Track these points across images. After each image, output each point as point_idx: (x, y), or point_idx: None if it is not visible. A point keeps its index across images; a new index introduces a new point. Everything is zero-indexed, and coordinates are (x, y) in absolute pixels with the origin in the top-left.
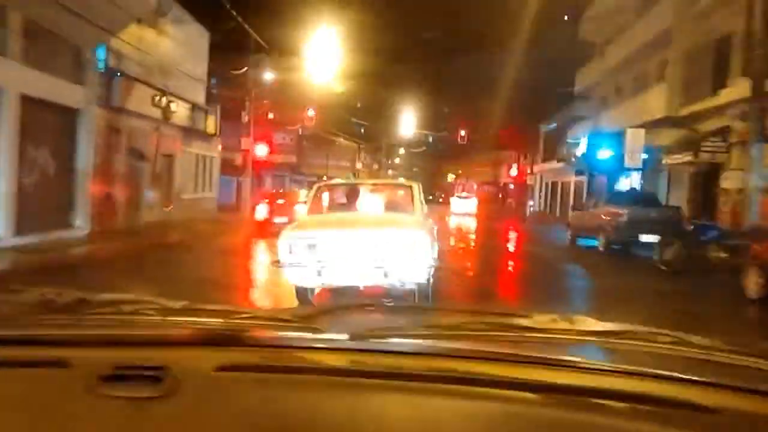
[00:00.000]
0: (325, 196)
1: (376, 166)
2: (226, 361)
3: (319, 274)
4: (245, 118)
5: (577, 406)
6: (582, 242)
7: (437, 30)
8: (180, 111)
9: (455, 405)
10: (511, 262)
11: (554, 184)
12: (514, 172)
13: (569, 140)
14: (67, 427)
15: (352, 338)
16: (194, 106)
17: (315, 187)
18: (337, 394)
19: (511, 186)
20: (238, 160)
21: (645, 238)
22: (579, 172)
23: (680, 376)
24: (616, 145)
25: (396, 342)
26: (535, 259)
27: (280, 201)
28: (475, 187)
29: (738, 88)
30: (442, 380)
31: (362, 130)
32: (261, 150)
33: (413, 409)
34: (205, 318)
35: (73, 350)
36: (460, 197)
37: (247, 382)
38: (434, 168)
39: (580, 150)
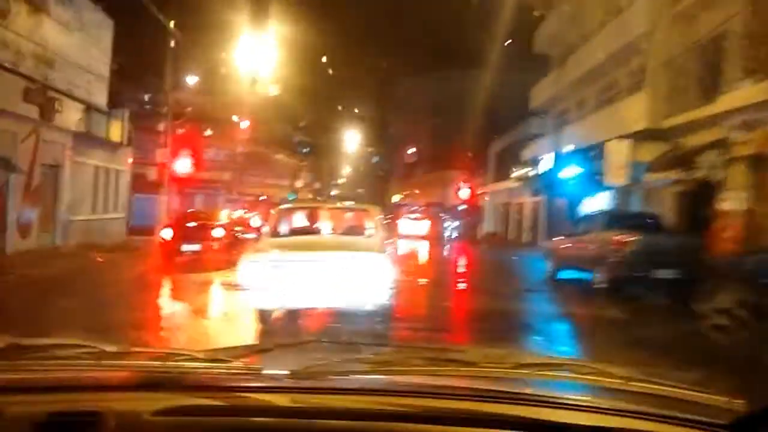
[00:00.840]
0: (286, 220)
1: (318, 185)
2: (163, 405)
3: (281, 296)
4: (161, 127)
5: None
6: (564, 275)
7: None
8: (69, 112)
9: None
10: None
11: (506, 205)
12: (463, 192)
13: (526, 159)
14: None
15: (292, 376)
16: (90, 108)
17: (276, 209)
18: None
19: (461, 207)
20: (153, 174)
21: (661, 273)
22: (536, 192)
23: (597, 404)
24: (585, 162)
25: (335, 379)
26: (515, 307)
27: (191, 224)
28: (420, 208)
29: (742, 93)
30: (382, 417)
31: (304, 150)
32: (182, 164)
33: None
34: (142, 361)
35: (7, 397)
36: (410, 218)
37: (185, 427)
38: (380, 188)
39: (541, 168)
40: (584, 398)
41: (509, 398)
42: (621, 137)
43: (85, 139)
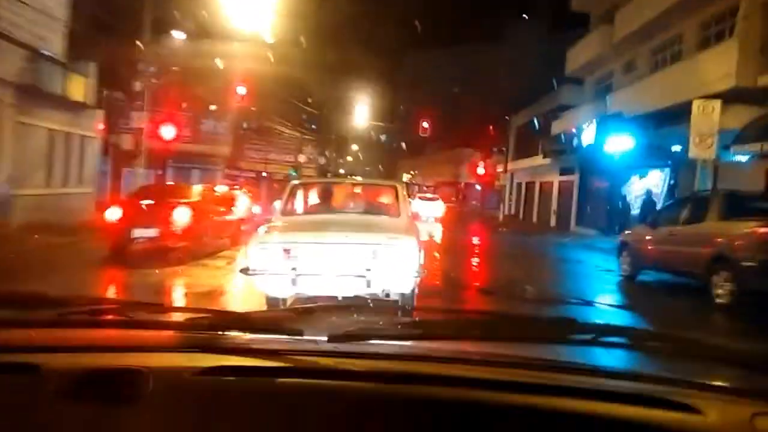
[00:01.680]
0: (301, 196)
1: (323, 161)
2: (203, 365)
3: (294, 283)
4: (137, 86)
5: (554, 403)
6: (649, 278)
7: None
8: (7, 57)
9: (432, 405)
10: None
11: (529, 185)
12: (481, 170)
13: (557, 132)
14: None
15: (331, 340)
16: (39, 56)
17: (290, 185)
18: (316, 397)
19: (478, 187)
20: (127, 143)
21: None
22: (568, 170)
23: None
24: (640, 133)
25: (374, 344)
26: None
27: (146, 203)
28: (431, 187)
29: None
30: (419, 381)
31: (312, 126)
32: (167, 132)
33: (393, 411)
34: (181, 320)
35: (47, 356)
36: (423, 198)
37: (225, 387)
38: (389, 166)
39: (578, 141)
40: (631, 367)
41: (552, 367)
42: (706, 97)
43: (33, 94)
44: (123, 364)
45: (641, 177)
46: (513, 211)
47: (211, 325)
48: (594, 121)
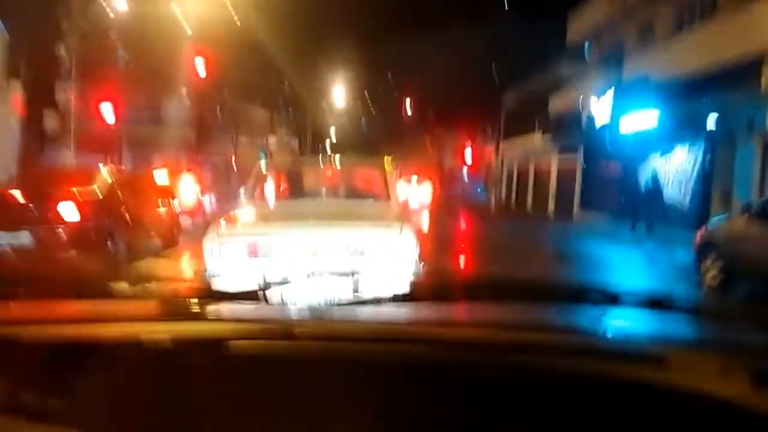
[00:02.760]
0: (271, 181)
1: (295, 143)
2: (184, 333)
3: (263, 287)
4: (61, 51)
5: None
6: (755, 290)
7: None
8: None
9: (427, 366)
10: None
11: (523, 168)
12: (468, 154)
13: (557, 109)
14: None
15: (318, 307)
16: None
17: (257, 167)
18: (305, 360)
19: (465, 172)
20: (50, 122)
21: None
22: (566, 150)
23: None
24: (665, 103)
25: (366, 309)
26: None
27: (14, 194)
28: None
29: None
30: (411, 342)
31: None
32: (107, 111)
33: (381, 372)
34: (163, 292)
35: (25, 328)
36: (407, 182)
37: (207, 353)
38: (369, 152)
39: (593, 114)
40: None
41: (536, 326)
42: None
43: None
44: (103, 335)
45: (663, 155)
46: (504, 197)
47: (189, 296)
48: (607, 90)
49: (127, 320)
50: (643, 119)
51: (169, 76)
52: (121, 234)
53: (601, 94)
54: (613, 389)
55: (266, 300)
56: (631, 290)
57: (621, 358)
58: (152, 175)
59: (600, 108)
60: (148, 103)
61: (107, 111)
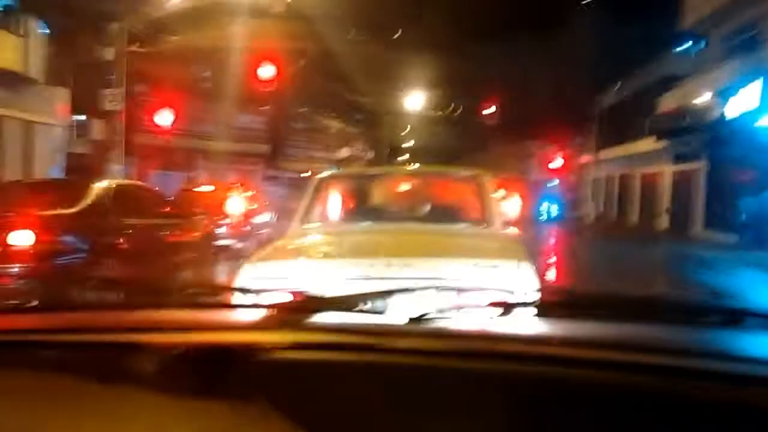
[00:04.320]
0: (335, 197)
1: (371, 155)
2: (289, 342)
3: None
4: (110, 54)
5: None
6: None
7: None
8: None
9: (516, 383)
10: None
11: (625, 178)
12: (557, 164)
13: (670, 109)
14: (140, 408)
15: (411, 321)
16: None
17: (315, 179)
18: (397, 374)
19: (555, 182)
20: (97, 131)
21: None
22: (684, 157)
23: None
24: None
25: (455, 324)
26: None
27: None
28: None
29: None
30: (502, 359)
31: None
32: (163, 118)
33: (474, 388)
34: (271, 302)
35: (147, 335)
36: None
37: (308, 365)
38: (448, 164)
39: (727, 113)
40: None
41: (641, 347)
42: None
43: None
44: (215, 341)
45: None
46: (602, 210)
47: (299, 306)
48: (747, 81)
49: (230, 329)
50: None
51: (238, 85)
52: (112, 262)
53: (738, 86)
54: (739, 416)
55: (365, 310)
56: (759, 310)
57: (750, 383)
58: (194, 187)
59: (735, 105)
60: (221, 117)
61: (164, 120)
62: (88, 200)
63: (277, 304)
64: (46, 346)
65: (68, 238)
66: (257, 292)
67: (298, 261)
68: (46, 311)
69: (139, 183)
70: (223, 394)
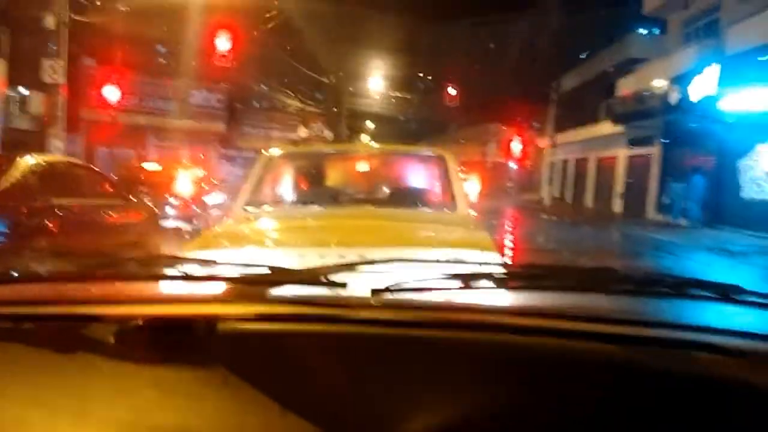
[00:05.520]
0: (284, 178)
1: (330, 135)
2: (252, 313)
3: None
4: (50, 22)
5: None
6: None
7: None
8: None
9: (472, 350)
10: None
11: (581, 162)
12: (516, 147)
13: (628, 93)
14: (101, 380)
15: (374, 293)
16: None
17: (262, 157)
18: (356, 343)
19: (512, 166)
20: (36, 104)
21: None
22: (639, 142)
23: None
24: None
25: (418, 297)
26: None
27: None
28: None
29: None
30: (458, 328)
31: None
32: (111, 93)
33: (431, 355)
34: (233, 274)
35: (107, 307)
36: None
37: (270, 337)
38: (411, 143)
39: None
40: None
41: (586, 316)
42: None
43: None
44: (177, 313)
45: None
46: (557, 194)
47: (260, 279)
48: (704, 66)
49: (191, 301)
50: (755, 99)
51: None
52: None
53: (696, 71)
54: (685, 383)
55: (327, 283)
56: (702, 280)
57: (692, 349)
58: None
59: (694, 89)
60: (174, 92)
61: (112, 95)
62: (11, 178)
63: (239, 276)
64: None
65: None
66: (217, 264)
67: (234, 251)
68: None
69: (74, 160)
70: (185, 365)
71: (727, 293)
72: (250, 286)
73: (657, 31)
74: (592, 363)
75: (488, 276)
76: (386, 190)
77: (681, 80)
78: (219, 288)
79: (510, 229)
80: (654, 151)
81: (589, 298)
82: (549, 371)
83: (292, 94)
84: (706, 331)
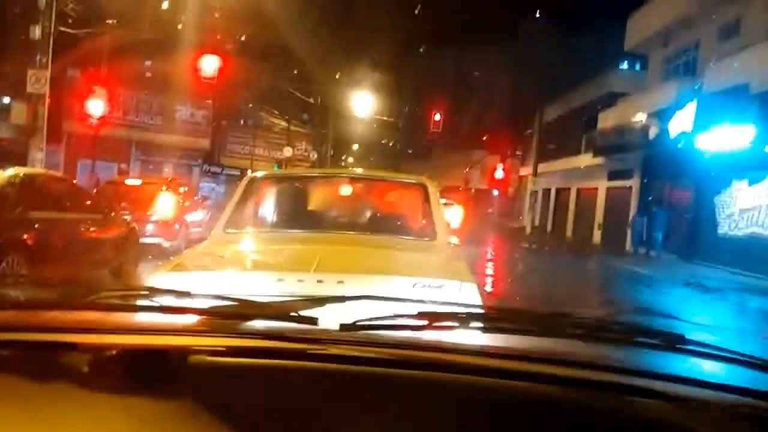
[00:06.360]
0: (266, 200)
1: (314, 155)
2: (221, 346)
3: None
4: (36, 33)
5: (564, 394)
6: None
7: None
8: None
9: (435, 389)
10: None
11: (562, 192)
12: (499, 174)
13: (608, 127)
14: (73, 407)
15: (342, 329)
16: None
17: (245, 179)
18: (323, 380)
19: (495, 193)
20: (18, 114)
21: None
22: (618, 175)
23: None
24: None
25: (383, 333)
26: None
27: None
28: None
29: None
30: (422, 368)
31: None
32: (95, 105)
33: (396, 395)
34: (205, 307)
35: (82, 336)
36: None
37: (241, 367)
38: (392, 169)
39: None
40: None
41: (542, 359)
42: None
43: None
44: (151, 344)
45: (752, 183)
46: (538, 223)
47: (232, 312)
48: (683, 103)
49: (163, 332)
50: (730, 137)
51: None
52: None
53: (674, 108)
54: (628, 427)
55: (298, 317)
56: (649, 327)
57: (636, 395)
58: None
59: (673, 125)
60: (159, 107)
61: (96, 108)
62: None
63: (212, 309)
64: None
65: None
66: (192, 296)
67: (213, 273)
68: None
69: (54, 173)
70: (157, 396)
71: (671, 341)
72: (222, 320)
73: (638, 67)
74: (546, 404)
75: (453, 316)
76: (368, 215)
77: (660, 115)
78: (192, 320)
79: (490, 257)
80: (633, 184)
81: (546, 341)
82: (508, 412)
83: (278, 114)
84: (649, 377)
